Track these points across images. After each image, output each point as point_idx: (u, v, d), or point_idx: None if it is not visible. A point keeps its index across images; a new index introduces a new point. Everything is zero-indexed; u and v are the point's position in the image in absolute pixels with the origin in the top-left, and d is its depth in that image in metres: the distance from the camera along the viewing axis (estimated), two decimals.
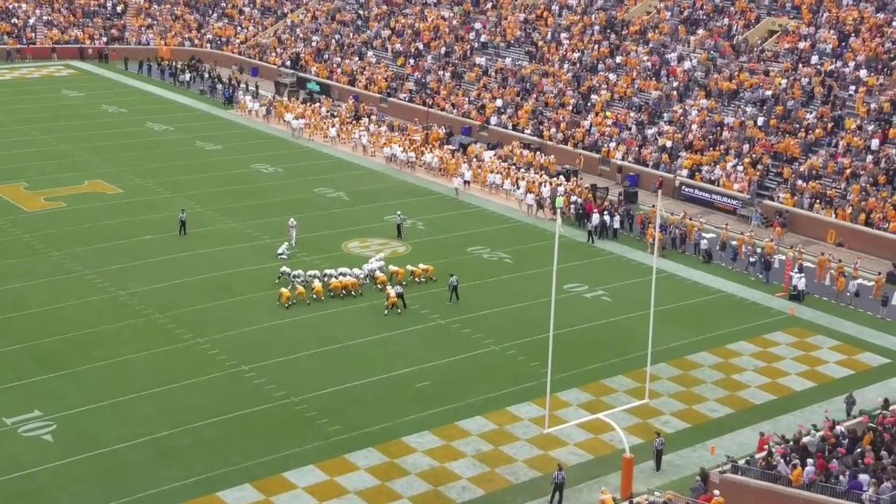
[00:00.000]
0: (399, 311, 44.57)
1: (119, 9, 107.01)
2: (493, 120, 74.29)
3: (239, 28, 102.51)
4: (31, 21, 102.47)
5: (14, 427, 34.66)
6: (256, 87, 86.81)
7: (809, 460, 30.96)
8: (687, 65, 72.79)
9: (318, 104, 79.97)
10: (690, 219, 56.26)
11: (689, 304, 47.42)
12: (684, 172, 63.03)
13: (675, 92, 70.46)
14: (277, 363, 39.84)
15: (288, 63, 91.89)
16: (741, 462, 32.33)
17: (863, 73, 65.29)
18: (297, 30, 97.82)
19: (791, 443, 32.67)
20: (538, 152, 67.75)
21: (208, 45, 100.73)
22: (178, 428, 34.96)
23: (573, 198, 58.54)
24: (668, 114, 68.86)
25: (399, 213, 55.07)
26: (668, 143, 65.55)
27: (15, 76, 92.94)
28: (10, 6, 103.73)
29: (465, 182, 62.68)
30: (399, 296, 44.95)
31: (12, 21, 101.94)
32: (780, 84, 67.05)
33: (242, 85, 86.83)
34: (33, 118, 77.26)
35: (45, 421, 35.07)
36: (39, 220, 55.11)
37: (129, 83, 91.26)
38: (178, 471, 32.51)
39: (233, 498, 31.22)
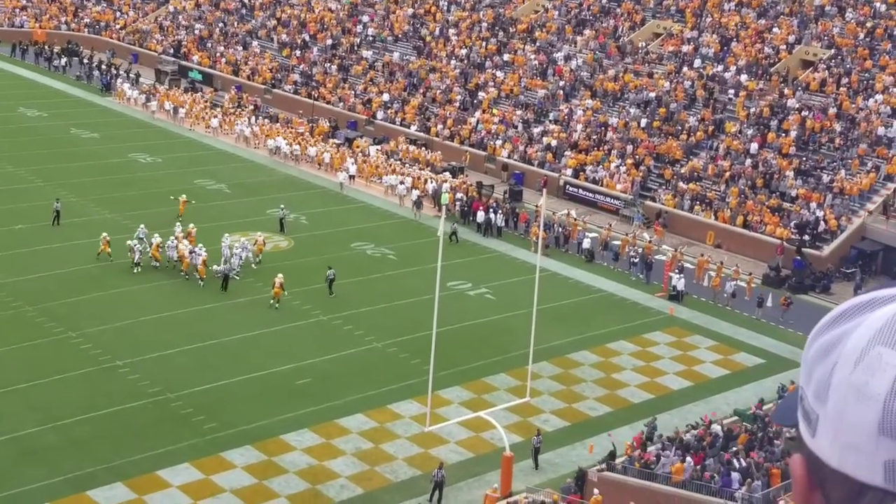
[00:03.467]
0: (277, 304, 44.11)
1: None
2: (380, 114, 74.14)
3: (118, 13, 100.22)
4: None
5: None
6: (137, 74, 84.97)
7: (688, 457, 31.69)
8: (573, 64, 73.75)
9: (199, 93, 78.68)
10: (575, 219, 56.97)
11: (571, 302, 48.04)
12: (569, 172, 63.83)
13: (561, 91, 71.32)
14: (153, 359, 39.08)
15: (170, 50, 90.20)
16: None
17: (743, 77, 67.05)
18: (180, 17, 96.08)
19: (673, 440, 33.39)
20: (424, 148, 67.85)
21: (86, 29, 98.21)
22: (46, 425, 34.03)
23: (459, 195, 58.77)
24: (553, 113, 69.65)
25: (282, 206, 54.55)
26: (554, 143, 66.30)
27: None
28: None
29: (350, 177, 62.40)
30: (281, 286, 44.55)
31: None
32: (663, 86, 68.42)
33: (122, 73, 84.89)
34: None
35: None
36: None
37: (1, 66, 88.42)
38: (44, 470, 31.64)
39: (103, 497, 30.53)
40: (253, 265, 48.13)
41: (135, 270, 46.37)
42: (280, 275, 45.01)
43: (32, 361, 38.17)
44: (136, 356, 39.10)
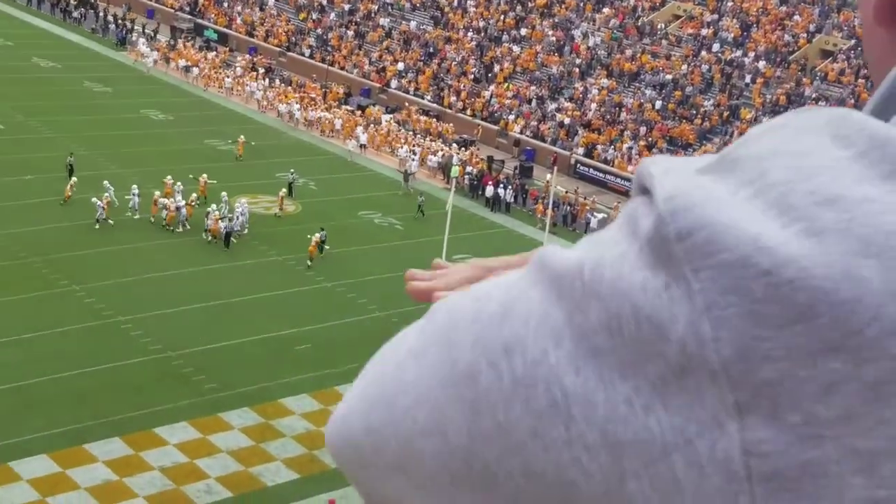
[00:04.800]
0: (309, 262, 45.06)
1: None
2: (394, 83, 74.06)
3: None
4: None
5: None
6: (155, 31, 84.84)
7: None
8: (591, 42, 73.55)
9: (214, 53, 78.55)
10: (584, 198, 57.02)
11: None
12: (580, 150, 63.81)
13: (577, 69, 71.16)
14: (155, 316, 39.29)
15: (186, 8, 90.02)
16: None
17: (762, 64, 66.86)
18: None
19: None
20: (436, 119, 67.84)
21: None
22: (47, 377, 34.28)
23: (469, 168, 58.82)
24: (568, 90, 69.54)
25: (292, 171, 54.61)
26: (567, 120, 66.24)
27: None
28: None
29: (361, 146, 62.40)
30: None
31: None
32: (680, 69, 68.26)
33: (137, 28, 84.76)
34: None
35: None
36: None
37: (17, 15, 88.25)
38: (43, 421, 31.91)
39: (100, 451, 30.81)
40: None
41: (110, 222, 46.67)
42: (317, 234, 45.80)
43: (36, 313, 38.39)
44: (140, 313, 39.31)
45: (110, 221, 46.93)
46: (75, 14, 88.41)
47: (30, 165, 52.70)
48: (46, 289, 40.30)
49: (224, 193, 49.02)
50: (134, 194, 47.93)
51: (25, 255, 42.87)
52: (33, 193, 48.93)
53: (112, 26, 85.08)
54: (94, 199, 46.45)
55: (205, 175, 52.32)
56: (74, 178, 49.15)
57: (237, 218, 47.40)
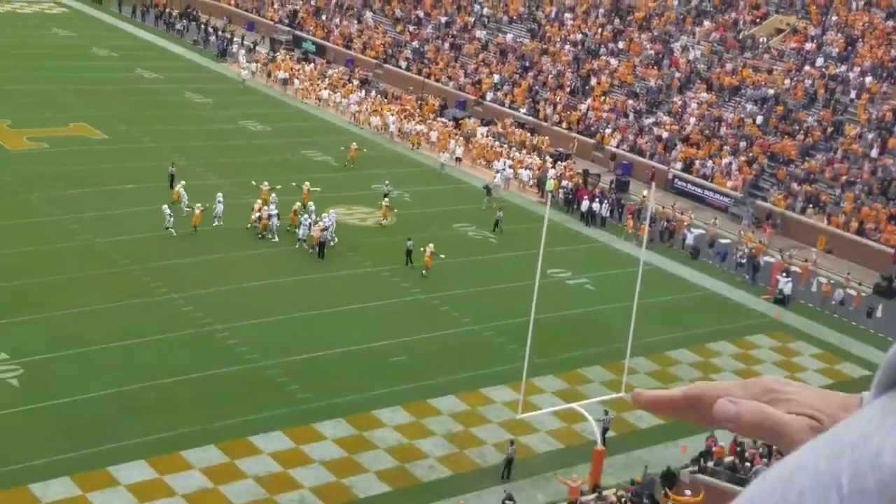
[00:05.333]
0: (424, 272, 45.65)
1: None
2: (489, 96, 74.02)
3: None
4: None
5: None
6: (254, 43, 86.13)
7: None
8: (690, 55, 72.65)
9: (311, 65, 79.35)
10: (682, 213, 56.26)
11: (673, 299, 47.45)
12: (678, 165, 62.99)
13: (675, 82, 70.33)
14: (252, 325, 39.71)
15: (285, 20, 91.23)
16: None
17: (867, 79, 65.31)
18: None
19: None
20: (532, 133, 67.62)
21: None
22: (146, 383, 34.85)
23: (564, 182, 58.46)
24: (666, 104, 68.76)
25: (387, 182, 54.84)
26: (665, 134, 65.47)
27: (6, 10, 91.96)
28: None
29: (456, 158, 62.41)
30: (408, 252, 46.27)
31: None
32: (782, 84, 67.02)
33: (237, 40, 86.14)
34: (21, 55, 76.46)
35: (12, 365, 34.89)
36: (20, 160, 54.67)
37: (122, 27, 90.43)
38: (142, 426, 32.44)
39: (196, 458, 31.17)
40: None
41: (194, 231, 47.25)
42: (431, 244, 46.10)
43: (137, 320, 39.09)
44: (236, 321, 39.77)
45: (195, 231, 47.58)
46: (178, 26, 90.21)
47: (131, 174, 53.77)
48: (146, 296, 41.02)
49: (311, 203, 49.33)
50: (219, 202, 48.57)
51: (126, 262, 43.70)
52: (134, 202, 49.90)
53: (213, 38, 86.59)
54: (163, 207, 47.07)
55: (307, 183, 52.84)
56: (183, 182, 50.31)
57: (327, 228, 47.73)
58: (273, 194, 49.68)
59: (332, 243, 47.40)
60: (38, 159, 55.08)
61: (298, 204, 49.96)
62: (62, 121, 61.98)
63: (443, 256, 46.32)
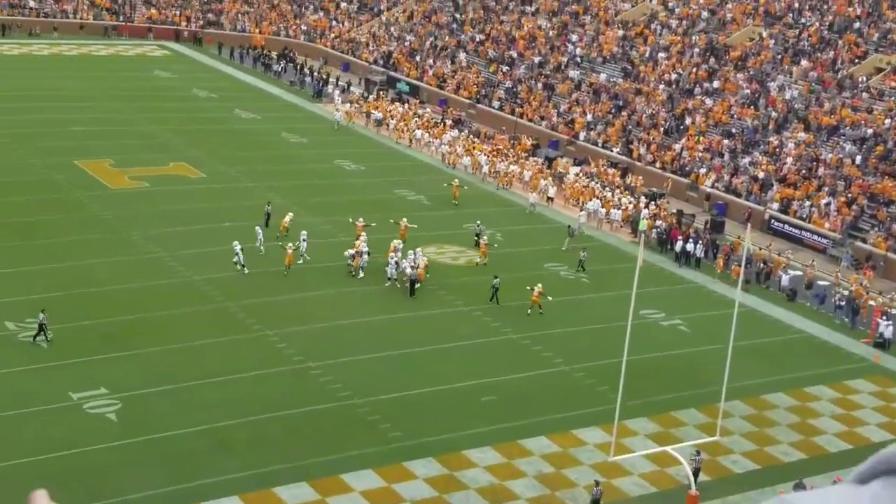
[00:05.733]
0: (540, 310, 45.81)
1: None
2: (582, 135, 73.96)
3: (334, 22, 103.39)
4: None
5: (80, 402, 35.30)
6: (348, 83, 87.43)
7: None
8: (787, 95, 71.76)
9: (405, 105, 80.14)
10: (779, 254, 55.42)
11: (769, 341, 46.66)
12: (775, 206, 62.12)
13: (772, 122, 69.49)
14: (345, 363, 40.03)
15: (380, 61, 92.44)
16: None
17: None
18: (392, 28, 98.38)
19: None
20: (625, 172, 67.33)
21: (302, 36, 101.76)
22: (240, 419, 35.30)
23: (657, 222, 58.03)
24: (763, 144, 67.95)
25: (478, 222, 55.01)
26: (761, 174, 64.65)
27: (110, 53, 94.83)
28: None
29: (548, 198, 62.38)
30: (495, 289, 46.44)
31: None
32: (882, 123, 65.78)
33: (332, 80, 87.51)
34: (124, 96, 78.71)
35: (111, 399, 35.65)
36: (121, 199, 56.10)
37: (221, 68, 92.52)
38: (236, 462, 32.83)
39: (289, 495, 31.41)
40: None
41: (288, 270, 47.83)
42: (539, 284, 46.41)
43: (231, 356, 39.69)
44: (329, 359, 40.11)
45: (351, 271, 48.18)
46: (276, 67, 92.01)
47: (228, 213, 54.78)
48: (241, 333, 41.64)
49: (398, 242, 49.54)
50: (303, 240, 49.26)
51: (222, 299, 44.46)
52: (231, 240, 50.68)
53: (309, 79, 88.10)
54: (235, 243, 47.64)
55: (405, 220, 53.37)
56: (291, 214, 52.02)
57: (417, 266, 47.94)
58: (363, 234, 50.21)
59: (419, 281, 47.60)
60: (139, 198, 56.47)
61: (398, 241, 50.46)
62: (163, 160, 63.53)
63: (550, 299, 46.46)
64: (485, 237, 52.92)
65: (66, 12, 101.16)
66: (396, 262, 47.79)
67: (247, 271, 47.01)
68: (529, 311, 45.92)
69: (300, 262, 48.59)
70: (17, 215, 52.01)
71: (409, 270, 47.41)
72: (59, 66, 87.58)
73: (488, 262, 51.50)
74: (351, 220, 52.60)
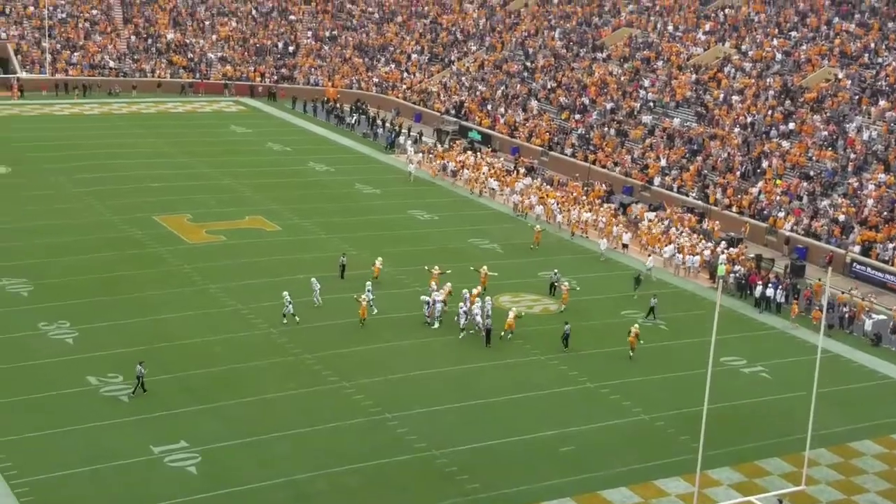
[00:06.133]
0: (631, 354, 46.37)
1: (291, 48, 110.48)
2: (657, 180, 73.60)
3: (405, 73, 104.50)
4: (207, 56, 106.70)
5: (161, 456, 35.71)
6: (421, 134, 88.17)
7: None
8: (866, 136, 70.80)
9: (478, 153, 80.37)
10: (863, 298, 54.44)
11: (854, 388, 45.72)
12: (856, 248, 61.10)
13: (851, 164, 68.54)
14: (420, 414, 40.04)
15: (451, 111, 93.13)
16: None
17: None
18: (463, 77, 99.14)
19: None
20: (702, 217, 66.80)
21: (374, 88, 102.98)
22: (318, 472, 35.42)
23: (736, 267, 57.38)
24: (842, 186, 67.01)
25: (556, 271, 54.86)
26: (841, 217, 63.70)
27: (187, 109, 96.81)
28: (189, 41, 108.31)
29: (624, 245, 62.07)
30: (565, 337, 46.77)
31: (188, 55, 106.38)
32: None
33: (405, 130, 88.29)
34: (201, 151, 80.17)
35: (191, 453, 36.01)
36: (200, 253, 56.99)
37: (296, 122, 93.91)
38: None
39: None
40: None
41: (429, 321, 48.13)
42: (636, 324, 47.05)
43: (308, 408, 39.93)
44: (405, 410, 40.15)
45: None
46: (349, 120, 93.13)
47: (304, 265, 55.31)
48: (318, 385, 41.92)
49: (465, 291, 49.48)
50: (368, 291, 49.56)
51: (299, 351, 44.83)
52: (307, 292, 51.16)
53: (381, 130, 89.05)
54: (284, 295, 47.82)
55: (485, 267, 53.59)
56: (380, 259, 53.55)
57: (487, 316, 47.96)
58: (433, 283, 50.37)
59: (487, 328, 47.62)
60: (217, 252, 57.32)
61: (479, 288, 50.57)
62: (239, 214, 64.47)
63: (642, 342, 46.62)
64: (566, 283, 52.82)
65: (143, 71, 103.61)
66: (465, 312, 47.79)
67: (297, 320, 47.47)
68: (631, 353, 46.30)
69: (374, 312, 48.87)
70: (100, 271, 53.08)
71: (478, 319, 47.43)
72: (137, 123, 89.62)
73: (564, 309, 51.29)
74: (427, 267, 52.98)
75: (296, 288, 50.55)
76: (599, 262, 60.07)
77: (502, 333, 47.14)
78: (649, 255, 59.50)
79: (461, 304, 48.35)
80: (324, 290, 50.69)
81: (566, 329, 46.92)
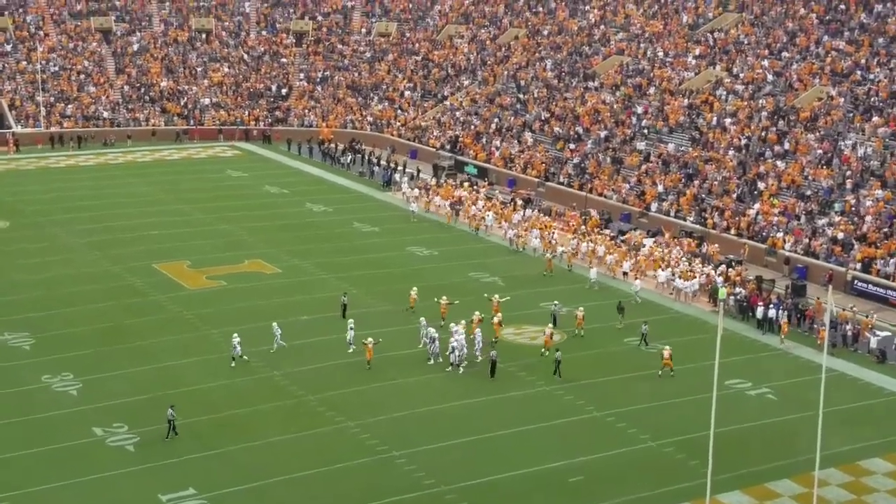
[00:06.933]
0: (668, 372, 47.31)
1: (284, 91, 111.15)
2: (654, 206, 73.86)
3: (399, 111, 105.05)
4: (201, 102, 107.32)
5: None
6: (418, 170, 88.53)
7: None
8: (861, 152, 71.13)
9: (474, 187, 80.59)
10: (866, 315, 54.51)
11: (861, 405, 45.70)
12: (857, 266, 61.25)
13: (848, 181, 68.81)
14: (427, 450, 40.02)
15: (447, 146, 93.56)
16: None
17: None
18: (457, 112, 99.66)
19: None
20: (700, 241, 66.99)
21: (368, 126, 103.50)
22: None
23: (736, 289, 57.49)
24: (839, 203, 67.24)
25: (556, 302, 54.95)
26: (840, 235, 63.89)
27: (182, 156, 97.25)
28: (182, 88, 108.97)
29: (624, 273, 62.20)
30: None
31: (182, 102, 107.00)
32: None
33: (400, 167, 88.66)
34: (198, 197, 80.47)
35: (199, 500, 35.99)
36: (200, 298, 57.12)
37: (291, 164, 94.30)
38: None
39: None
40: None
41: (430, 361, 48.52)
42: (667, 346, 47.94)
43: (313, 450, 39.88)
44: (411, 447, 40.13)
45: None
46: (343, 159, 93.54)
47: (305, 307, 55.44)
48: (323, 426, 41.92)
49: (453, 325, 49.35)
50: (350, 328, 49.69)
51: (302, 393, 44.87)
52: (309, 334, 51.30)
53: (377, 168, 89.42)
54: (274, 324, 48.51)
55: (497, 295, 53.81)
56: (416, 288, 54.75)
57: (432, 339, 48.61)
58: (422, 319, 50.52)
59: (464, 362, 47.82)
60: (218, 297, 57.45)
61: (479, 315, 50.97)
62: (238, 258, 64.66)
63: (669, 372, 47.43)
64: (580, 311, 53.08)
65: (137, 120, 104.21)
66: (454, 347, 47.86)
67: (246, 359, 47.79)
68: (661, 372, 47.38)
69: (350, 350, 48.90)
70: (101, 321, 53.16)
71: (468, 349, 48.14)
72: (133, 172, 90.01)
73: (565, 339, 51.36)
74: (436, 299, 53.25)
75: (296, 331, 50.72)
76: (592, 293, 59.80)
77: (493, 339, 48.85)
78: (636, 279, 59.69)
79: (452, 339, 48.26)
80: (326, 330, 50.82)
81: (557, 356, 47.13)
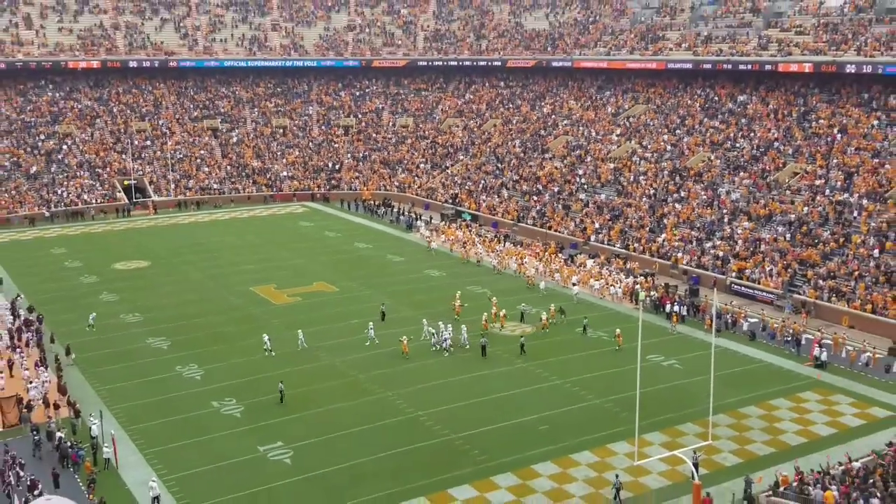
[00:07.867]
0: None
1: (336, 166, 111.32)
2: (593, 238, 73.75)
3: (416, 177, 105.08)
4: (280, 175, 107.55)
5: (265, 453, 35.57)
6: (430, 217, 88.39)
7: (834, 487, 29.11)
8: (733, 196, 71.07)
9: (469, 229, 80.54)
10: (740, 308, 54.28)
11: (740, 371, 45.50)
12: (733, 274, 61.09)
13: (725, 216, 68.72)
14: (442, 410, 39.88)
15: (449, 201, 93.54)
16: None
17: (865, 202, 62.59)
18: (456, 177, 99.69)
19: (823, 473, 30.80)
20: (625, 260, 66.83)
21: (395, 188, 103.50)
22: (371, 457, 35.32)
23: (651, 292, 57.30)
24: (719, 232, 67.15)
25: (524, 304, 54.77)
26: (721, 253, 63.76)
27: (269, 213, 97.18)
28: (267, 166, 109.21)
29: (573, 284, 61.98)
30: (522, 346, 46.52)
31: (268, 176, 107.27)
32: (802, 210, 64.76)
33: (418, 216, 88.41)
34: (279, 241, 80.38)
35: (285, 449, 35.91)
36: (284, 310, 56.96)
37: (343, 216, 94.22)
38: (368, 489, 32.58)
39: None
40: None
41: (434, 349, 47.95)
42: (618, 329, 47.64)
43: (363, 412, 39.74)
44: (430, 408, 39.97)
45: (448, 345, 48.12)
46: (379, 212, 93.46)
47: (355, 313, 55.28)
48: (368, 395, 41.75)
49: (440, 323, 49.20)
50: (370, 329, 49.17)
51: (355, 373, 44.69)
52: (357, 331, 51.13)
53: (402, 217, 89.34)
54: (264, 336, 47.82)
55: (494, 298, 53.68)
56: (458, 294, 54.12)
57: (444, 335, 47.79)
58: (440, 322, 50.16)
59: (449, 349, 47.25)
60: (296, 309, 57.27)
61: (504, 311, 51.26)
62: (309, 281, 64.51)
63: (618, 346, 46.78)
64: (553, 307, 53.08)
65: (237, 189, 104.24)
66: (447, 339, 47.41)
67: (274, 354, 46.87)
68: (618, 347, 46.73)
69: (368, 344, 48.12)
70: (214, 328, 53.05)
71: (463, 340, 47.83)
72: (235, 226, 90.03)
73: (536, 330, 51.13)
74: (452, 303, 53.11)
75: (349, 330, 50.54)
76: (566, 298, 59.61)
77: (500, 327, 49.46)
78: (574, 285, 59.34)
79: (443, 330, 47.97)
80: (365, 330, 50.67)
81: (522, 340, 46.96)
